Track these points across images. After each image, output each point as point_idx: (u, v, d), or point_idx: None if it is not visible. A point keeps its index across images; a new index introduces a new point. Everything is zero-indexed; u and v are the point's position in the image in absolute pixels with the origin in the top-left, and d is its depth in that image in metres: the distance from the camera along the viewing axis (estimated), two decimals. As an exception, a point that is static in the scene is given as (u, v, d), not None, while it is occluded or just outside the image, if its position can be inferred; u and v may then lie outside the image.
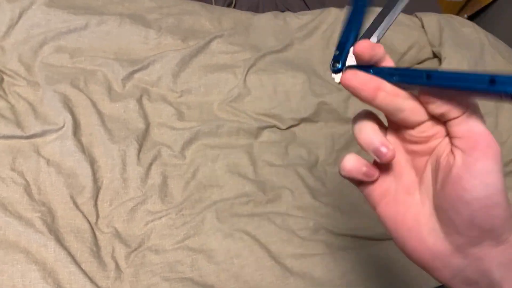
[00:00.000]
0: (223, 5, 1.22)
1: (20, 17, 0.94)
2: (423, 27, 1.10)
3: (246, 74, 0.98)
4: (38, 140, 0.82)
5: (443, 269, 0.29)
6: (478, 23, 1.88)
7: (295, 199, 0.86)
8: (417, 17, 1.13)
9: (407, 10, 1.17)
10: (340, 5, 1.15)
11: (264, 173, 0.89)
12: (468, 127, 0.26)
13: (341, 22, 1.07)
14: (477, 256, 0.28)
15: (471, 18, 1.96)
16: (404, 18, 1.11)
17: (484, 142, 0.26)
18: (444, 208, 0.28)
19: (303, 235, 0.81)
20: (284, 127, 0.97)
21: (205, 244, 0.77)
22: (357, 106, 0.96)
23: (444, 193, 0.27)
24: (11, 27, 0.93)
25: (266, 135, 0.96)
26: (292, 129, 0.98)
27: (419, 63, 1.08)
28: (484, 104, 0.96)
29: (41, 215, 0.72)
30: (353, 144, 0.95)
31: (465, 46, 1.02)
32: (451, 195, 0.27)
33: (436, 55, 1.06)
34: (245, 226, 0.80)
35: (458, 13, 1.96)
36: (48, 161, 0.79)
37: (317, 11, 1.13)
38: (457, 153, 0.27)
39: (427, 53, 1.08)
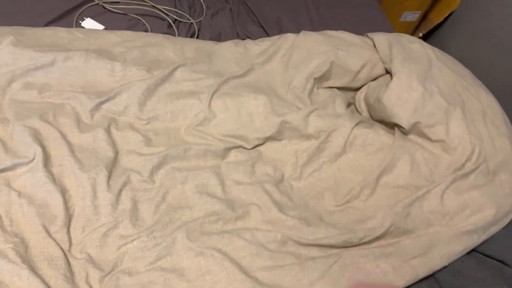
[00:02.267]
0: (186, 36, 1.28)
1: (-13, 57, 0.97)
2: (374, 46, 1.17)
3: (210, 99, 1.03)
4: (9, 173, 0.84)
5: None
6: (431, 41, 1.99)
7: (263, 214, 0.89)
8: (368, 37, 1.20)
9: (361, 32, 1.24)
10: (298, 30, 1.22)
11: (233, 191, 0.93)
12: None
13: (298, 46, 1.14)
14: None
15: (425, 37, 2.07)
16: (356, 38, 1.19)
17: None
18: None
19: (272, 248, 0.84)
20: (250, 147, 1.01)
21: (177, 263, 0.80)
22: (317, 122, 1.02)
23: None
24: (-22, 67, 0.96)
25: (233, 155, 1.00)
26: (258, 148, 1.03)
27: (373, 80, 1.15)
28: (435, 113, 1.02)
29: (14, 246, 0.74)
30: (315, 159, 1.00)
31: (413, 61, 1.09)
32: None
33: (388, 71, 1.13)
34: (215, 243, 0.83)
35: (413, 33, 2.07)
36: (19, 193, 0.81)
37: (275, 38, 1.20)
38: None
39: (380, 70, 1.15)
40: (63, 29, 1.11)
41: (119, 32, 1.14)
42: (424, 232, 0.92)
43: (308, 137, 1.02)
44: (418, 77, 1.05)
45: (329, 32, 1.19)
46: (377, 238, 0.89)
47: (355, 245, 0.87)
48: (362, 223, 0.91)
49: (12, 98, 0.95)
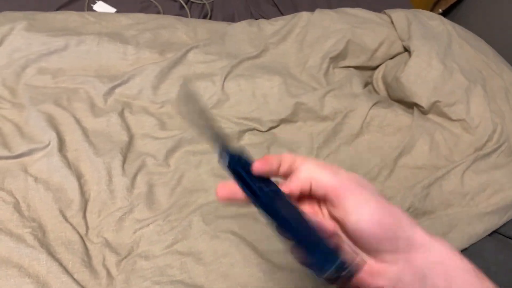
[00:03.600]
0: (199, 17, 1.26)
1: (1, 43, 0.97)
2: (392, 23, 1.14)
3: (224, 81, 1.01)
4: (26, 159, 0.85)
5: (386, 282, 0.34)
6: (452, 18, 1.93)
7: (279, 197, 0.88)
8: (386, 14, 1.16)
9: (378, 9, 1.21)
10: (313, 9, 1.19)
11: (248, 174, 0.92)
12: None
13: (312, 25, 1.12)
14: (404, 259, 0.33)
15: (445, 13, 2.01)
16: (373, 16, 1.15)
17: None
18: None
19: (288, 231, 0.83)
20: (264, 129, 1.00)
21: (193, 247, 0.80)
22: (333, 103, 1.00)
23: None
24: (-8, 53, 0.96)
25: (247, 138, 0.99)
26: (273, 130, 1.01)
27: (391, 58, 1.12)
28: (455, 92, 0.99)
29: (32, 231, 0.75)
30: (331, 140, 0.98)
31: (433, 38, 1.05)
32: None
33: (406, 49, 1.10)
34: (231, 227, 0.83)
35: (432, 9, 2.01)
36: (36, 179, 0.82)
37: (289, 17, 1.17)
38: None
39: (398, 48, 1.12)
40: (74, 12, 1.10)
41: (131, 15, 1.13)
42: (443, 213, 0.90)
43: (323, 118, 1.00)
44: (438, 55, 1.02)
45: (345, 10, 1.15)
46: (396, 220, 0.87)
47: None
48: (380, 205, 0.89)
49: (26, 83, 0.95)
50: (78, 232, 0.78)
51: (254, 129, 1.00)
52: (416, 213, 0.88)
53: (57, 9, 1.16)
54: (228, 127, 0.97)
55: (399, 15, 1.12)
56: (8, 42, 0.98)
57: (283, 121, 1.01)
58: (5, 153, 0.83)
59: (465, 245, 0.88)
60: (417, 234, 0.34)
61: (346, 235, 0.36)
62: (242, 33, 1.13)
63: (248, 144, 0.97)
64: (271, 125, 1.00)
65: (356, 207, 0.33)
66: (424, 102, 0.99)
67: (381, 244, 0.33)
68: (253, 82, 1.03)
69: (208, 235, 0.81)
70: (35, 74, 0.97)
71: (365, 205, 0.33)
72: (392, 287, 0.33)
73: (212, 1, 1.31)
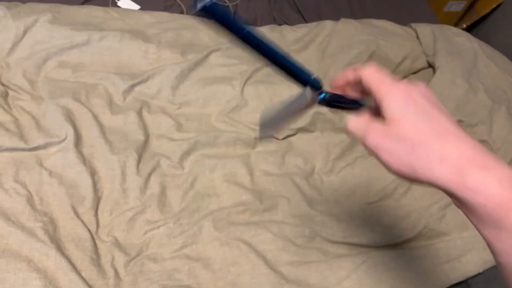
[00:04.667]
0: (221, 19, 1.25)
1: (24, 34, 0.97)
2: (417, 37, 1.12)
3: (243, 86, 1.00)
4: (41, 152, 0.85)
5: None
6: (476, 33, 1.89)
7: (292, 208, 0.87)
8: (411, 27, 1.15)
9: (403, 21, 1.19)
10: (337, 17, 1.17)
11: (261, 182, 0.91)
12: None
13: (336, 34, 1.10)
14: None
15: (469, 28, 1.98)
16: (398, 29, 1.13)
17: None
18: None
19: (299, 243, 0.82)
20: (280, 137, 0.99)
21: (202, 252, 0.79)
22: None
23: None
24: (16, 44, 0.96)
25: (263, 145, 0.98)
26: (289, 138, 1.00)
27: (414, 73, 1.10)
28: (478, 112, 0.97)
29: (43, 225, 0.75)
30: (348, 153, 0.97)
31: (458, 56, 1.03)
32: None
33: (430, 65, 1.08)
34: (242, 235, 0.82)
35: (457, 23, 1.98)
36: (50, 173, 0.82)
37: (312, 24, 1.16)
38: None
39: (422, 63, 1.10)
40: (98, 8, 1.10)
41: (155, 13, 1.12)
42: (458, 236, 0.88)
43: (342, 130, 0.99)
44: (463, 73, 1.00)
45: (371, 21, 1.14)
46: (409, 240, 0.85)
47: (386, 246, 0.84)
48: (394, 223, 0.88)
49: (46, 76, 0.95)
50: (88, 230, 0.78)
51: (270, 136, 0.98)
52: (430, 235, 0.86)
53: (82, 3, 1.16)
54: (244, 133, 0.96)
55: (425, 29, 1.10)
56: (31, 33, 0.98)
57: (300, 130, 1.00)
58: (21, 144, 0.83)
59: (480, 269, 0.86)
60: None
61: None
62: (264, 38, 1.12)
63: (264, 152, 0.96)
64: (287, 133, 0.99)
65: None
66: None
67: None
68: (272, 88, 1.02)
69: (218, 241, 0.80)
70: (55, 67, 0.97)
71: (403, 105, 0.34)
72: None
73: (236, 4, 1.30)
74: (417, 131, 0.33)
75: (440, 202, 0.88)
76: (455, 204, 0.34)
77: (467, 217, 0.34)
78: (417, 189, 0.93)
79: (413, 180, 0.34)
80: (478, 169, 0.31)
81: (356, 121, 0.38)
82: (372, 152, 0.36)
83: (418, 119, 0.33)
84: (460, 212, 0.90)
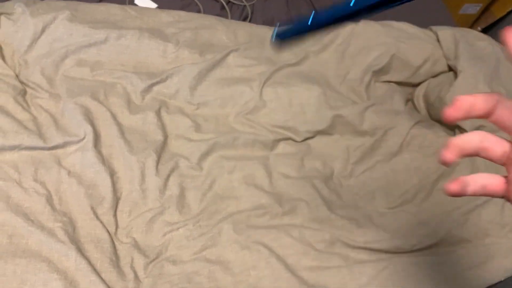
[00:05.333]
0: (239, 19, 1.24)
1: (43, 31, 0.96)
2: (438, 40, 1.10)
3: (262, 87, 0.99)
4: (60, 151, 0.84)
5: None
6: (491, 36, 1.87)
7: (311, 212, 0.86)
8: (431, 30, 1.13)
9: (421, 24, 1.17)
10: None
11: (280, 185, 0.90)
12: None
13: (356, 36, 1.09)
14: None
15: (484, 31, 1.96)
16: (418, 31, 1.12)
17: None
18: None
19: (319, 248, 0.81)
20: (299, 140, 0.97)
21: (222, 255, 0.78)
22: (373, 119, 0.97)
23: None
24: (34, 41, 0.95)
25: (281, 147, 0.97)
26: (307, 141, 0.99)
27: (434, 76, 1.09)
28: None
29: (63, 225, 0.74)
30: (368, 157, 0.96)
31: (480, 60, 1.02)
32: None
33: (451, 69, 1.06)
34: (262, 238, 0.81)
35: (472, 26, 1.96)
36: (69, 172, 0.81)
37: (331, 25, 1.14)
38: None
39: (442, 66, 1.08)
40: (116, 5, 1.09)
41: (172, 12, 1.11)
42: (480, 242, 0.87)
43: (362, 133, 0.97)
44: (485, 77, 0.98)
45: (391, 23, 1.12)
46: (431, 246, 0.84)
47: (407, 252, 0.83)
48: (415, 229, 0.86)
49: (64, 74, 0.95)
50: (107, 231, 0.77)
51: (289, 138, 0.97)
52: (452, 241, 0.85)
53: (99, 1, 1.15)
54: (262, 135, 0.95)
55: (446, 33, 1.08)
56: (49, 31, 0.97)
57: (319, 132, 0.99)
58: (40, 143, 0.82)
59: (501, 277, 0.84)
60: None
61: None
62: (283, 39, 1.10)
63: (282, 154, 0.95)
64: (306, 135, 0.98)
65: None
66: (467, 126, 0.96)
67: None
68: (291, 90, 1.00)
69: (238, 244, 0.79)
70: (73, 65, 0.96)
71: None
72: None
73: (253, 4, 1.29)
74: None
75: (462, 208, 0.87)
76: None
77: None
78: (438, 194, 0.92)
79: None
80: None
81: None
82: None
83: None
84: (482, 218, 0.89)
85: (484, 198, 0.88)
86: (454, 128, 1.01)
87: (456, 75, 1.02)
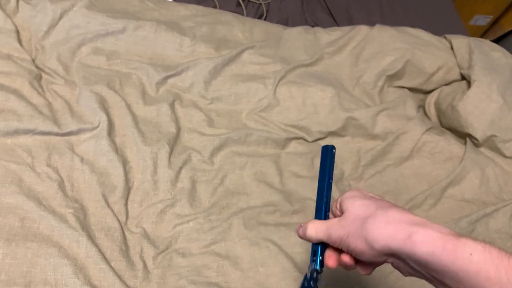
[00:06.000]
0: (254, 17, 1.24)
1: (61, 18, 0.96)
2: (452, 49, 1.11)
3: (276, 85, 0.99)
4: (73, 138, 0.84)
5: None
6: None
7: (321, 212, 0.86)
8: (446, 39, 1.14)
9: (436, 33, 1.18)
10: (368, 22, 1.16)
11: (291, 183, 0.90)
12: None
13: (371, 40, 1.09)
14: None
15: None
16: (433, 39, 1.12)
17: None
18: None
19: (327, 248, 0.81)
20: (311, 140, 0.98)
21: (231, 250, 0.78)
22: (385, 123, 0.97)
23: None
24: (52, 27, 0.95)
25: (293, 146, 0.97)
26: (319, 142, 0.99)
27: (446, 84, 1.09)
28: (512, 128, 0.96)
29: (74, 212, 0.74)
30: (378, 160, 0.96)
31: (494, 70, 1.02)
32: None
33: (464, 77, 1.07)
34: (271, 235, 0.81)
35: (481, 37, 1.97)
36: (82, 159, 0.81)
37: (347, 28, 1.15)
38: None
39: (455, 75, 1.09)
40: (134, -4, 1.09)
41: (189, 6, 1.11)
42: (486, 251, 0.87)
43: (374, 137, 0.98)
44: (498, 88, 0.98)
45: (406, 29, 1.13)
46: (438, 252, 0.84)
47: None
48: (423, 234, 0.86)
49: (81, 61, 0.95)
50: (118, 220, 0.77)
51: (301, 138, 0.98)
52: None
53: (117, -9, 1.15)
54: (275, 133, 0.95)
55: (461, 42, 1.09)
56: (67, 17, 0.97)
57: (331, 133, 0.99)
58: (54, 129, 0.82)
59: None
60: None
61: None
62: (298, 39, 1.11)
63: (293, 153, 0.96)
64: (318, 136, 0.98)
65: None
66: (479, 135, 0.96)
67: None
68: (305, 90, 1.01)
69: (247, 240, 0.79)
70: (89, 53, 0.96)
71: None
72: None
73: (268, 2, 1.29)
74: (365, 208, 0.43)
75: (470, 216, 0.87)
76: (398, 268, 0.43)
77: (417, 275, 0.41)
78: (446, 201, 0.92)
79: (372, 257, 0.42)
80: (419, 226, 0.38)
81: (316, 225, 0.48)
82: (339, 244, 0.45)
83: (365, 201, 0.44)
84: (490, 227, 0.89)
85: (493, 207, 0.89)
86: (465, 136, 1.01)
87: (469, 84, 1.02)
